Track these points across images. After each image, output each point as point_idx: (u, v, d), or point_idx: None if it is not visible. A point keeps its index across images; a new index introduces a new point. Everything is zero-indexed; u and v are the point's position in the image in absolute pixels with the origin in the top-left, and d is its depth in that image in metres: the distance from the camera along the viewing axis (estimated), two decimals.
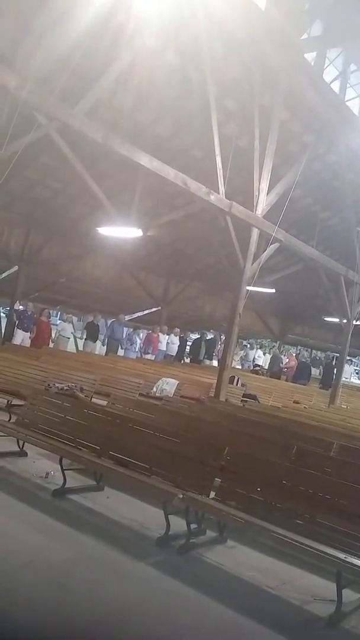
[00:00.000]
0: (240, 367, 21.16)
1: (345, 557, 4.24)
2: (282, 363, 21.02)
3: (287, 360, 21.61)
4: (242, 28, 8.92)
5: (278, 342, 27.53)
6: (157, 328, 18.84)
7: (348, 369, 34.83)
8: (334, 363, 19.84)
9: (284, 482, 5.29)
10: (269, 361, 22.52)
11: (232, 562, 4.93)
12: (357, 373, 38.68)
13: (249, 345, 25.37)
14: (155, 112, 11.10)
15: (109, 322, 18.31)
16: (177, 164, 9.92)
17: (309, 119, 11.69)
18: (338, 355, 17.76)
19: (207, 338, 21.14)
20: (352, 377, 34.12)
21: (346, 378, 30.57)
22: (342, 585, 4.26)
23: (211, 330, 23.50)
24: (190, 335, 22.75)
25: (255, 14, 8.96)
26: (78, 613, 3.79)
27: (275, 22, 9.24)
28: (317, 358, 33.24)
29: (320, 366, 21.76)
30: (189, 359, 20.32)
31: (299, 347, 32.32)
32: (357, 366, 39.89)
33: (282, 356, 22.40)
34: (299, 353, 31.98)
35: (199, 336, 21.22)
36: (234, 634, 3.93)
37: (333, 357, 29.75)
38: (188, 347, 20.71)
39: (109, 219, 10.10)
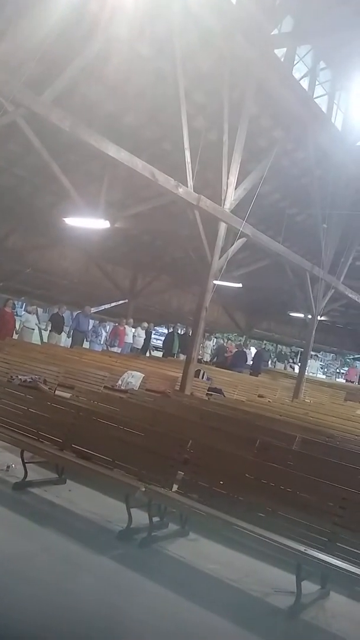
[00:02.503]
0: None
1: (304, 550, 4.29)
2: (226, 353, 21.27)
3: (228, 349, 22.03)
4: (214, 20, 8.90)
5: (244, 336, 27.74)
6: (124, 321, 18.75)
7: (314, 364, 35.31)
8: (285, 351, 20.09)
9: (246, 475, 5.32)
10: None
11: (193, 555, 4.94)
12: (322, 368, 39.10)
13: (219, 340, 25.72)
14: (125, 102, 10.98)
15: (75, 314, 18.13)
16: (146, 155, 9.86)
17: (278, 114, 11.75)
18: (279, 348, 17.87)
19: (179, 332, 21.17)
20: (318, 372, 34.48)
21: (312, 373, 31.02)
22: (302, 577, 4.32)
23: (178, 324, 23.52)
24: (155, 327, 22.72)
25: (227, 7, 8.95)
26: (36, 606, 3.74)
27: (246, 15, 9.24)
28: (283, 353, 33.61)
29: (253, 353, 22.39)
30: (162, 353, 20.37)
31: (265, 341, 32.63)
32: (322, 361, 40.39)
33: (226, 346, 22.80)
34: (264, 347, 32.30)
35: (171, 330, 21.22)
36: (194, 626, 3.93)
37: (264, 347, 30.51)
38: (157, 341, 20.69)
39: (76, 209, 9.98)
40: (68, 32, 7.89)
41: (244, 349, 20.95)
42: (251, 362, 21.75)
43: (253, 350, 22.68)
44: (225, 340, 27.39)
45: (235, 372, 17.12)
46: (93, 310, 18.90)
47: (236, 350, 21.02)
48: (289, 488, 5.05)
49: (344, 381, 28.80)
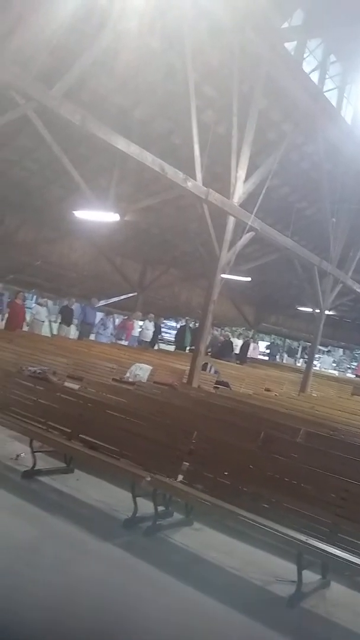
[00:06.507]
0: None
1: (306, 540, 4.36)
2: (219, 344, 21.43)
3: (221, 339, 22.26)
4: (225, 14, 8.91)
5: (252, 331, 27.78)
6: (134, 315, 18.85)
7: (327, 360, 35.25)
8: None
9: (250, 466, 5.39)
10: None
11: (197, 544, 5.03)
12: (334, 363, 38.82)
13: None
14: (135, 96, 11.02)
15: (83, 306, 18.27)
16: (156, 149, 9.88)
17: (288, 108, 11.73)
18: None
19: (191, 326, 21.28)
20: (330, 368, 34.28)
21: (325, 368, 31.02)
22: (303, 566, 4.39)
23: (187, 318, 23.59)
24: (164, 321, 22.83)
25: (238, 0, 8.95)
26: (42, 591, 3.84)
27: (256, 8, 9.23)
28: (292, 347, 33.55)
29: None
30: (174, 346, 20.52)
31: (273, 336, 32.65)
32: (334, 357, 40.07)
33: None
34: (273, 342, 32.34)
35: (183, 324, 21.29)
36: (196, 612, 4.02)
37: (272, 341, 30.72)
38: (167, 335, 20.75)
39: (86, 202, 10.03)
40: (79, 26, 7.95)
41: (230, 340, 21.42)
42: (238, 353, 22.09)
43: (239, 342, 22.96)
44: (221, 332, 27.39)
45: (223, 361, 17.20)
46: (102, 303, 18.99)
47: (223, 340, 21.24)
48: (293, 480, 5.12)
49: (354, 376, 28.74)
